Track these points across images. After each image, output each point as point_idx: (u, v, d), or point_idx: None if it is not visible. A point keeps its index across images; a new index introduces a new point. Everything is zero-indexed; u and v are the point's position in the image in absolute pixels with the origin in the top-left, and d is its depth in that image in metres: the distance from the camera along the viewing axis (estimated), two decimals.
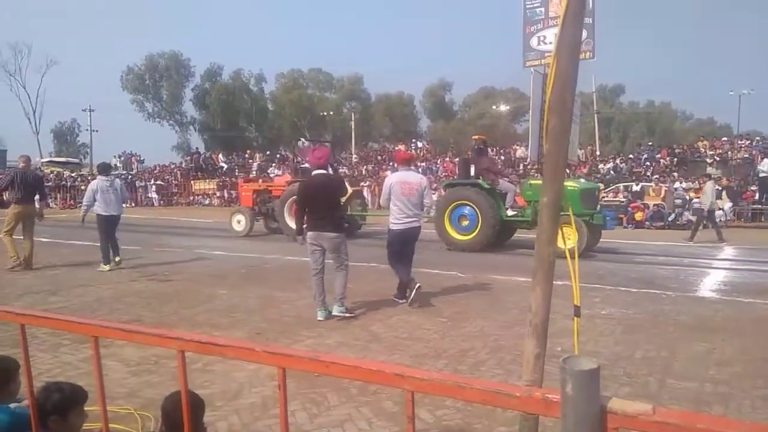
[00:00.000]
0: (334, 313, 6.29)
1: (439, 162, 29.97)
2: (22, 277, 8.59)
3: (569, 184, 12.50)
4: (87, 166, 47.95)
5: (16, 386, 2.68)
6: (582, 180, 14.02)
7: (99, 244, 9.58)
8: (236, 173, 33.19)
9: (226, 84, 58.28)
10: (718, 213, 16.14)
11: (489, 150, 14.25)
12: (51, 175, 35.02)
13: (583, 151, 29.07)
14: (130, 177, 34.87)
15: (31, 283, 8.03)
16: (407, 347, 5.18)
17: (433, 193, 12.47)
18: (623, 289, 7.96)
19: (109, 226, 9.54)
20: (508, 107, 53.53)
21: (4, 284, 7.98)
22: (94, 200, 9.41)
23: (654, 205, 19.38)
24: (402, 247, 7.07)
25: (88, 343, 4.97)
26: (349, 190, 6.90)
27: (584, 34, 21.55)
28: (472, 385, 0.91)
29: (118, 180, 10.54)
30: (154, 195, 32.04)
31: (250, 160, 37.27)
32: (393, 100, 60.57)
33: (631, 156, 28.19)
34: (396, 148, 34.08)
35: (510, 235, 13.17)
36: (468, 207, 12.19)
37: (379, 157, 35.15)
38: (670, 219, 18.88)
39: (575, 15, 1.38)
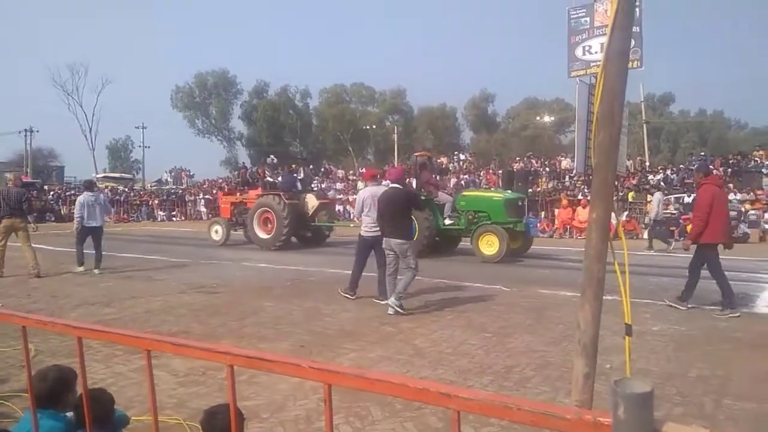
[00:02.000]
0: (390, 302, 6.95)
1: (482, 174, 29.72)
2: (79, 289, 8.93)
3: (494, 194, 13.72)
4: (140, 182, 49.74)
5: (73, 396, 2.77)
6: (509, 191, 14.63)
7: (74, 249, 10.88)
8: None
9: (272, 100, 59.61)
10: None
11: (431, 165, 15.45)
12: (106, 189, 36.38)
13: (631, 162, 28.34)
14: (180, 191, 35.95)
15: (86, 295, 8.33)
16: (451, 362, 5.12)
17: None
18: (675, 304, 7.66)
19: (87, 235, 10.77)
20: (552, 118, 52.75)
21: (61, 296, 8.30)
22: (83, 213, 10.58)
23: None
24: (369, 251, 7.98)
25: (139, 354, 5.12)
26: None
27: (631, 42, 21.10)
28: (520, 405, 0.89)
29: (102, 195, 12.09)
30: (203, 209, 32.89)
31: (295, 174, 37.87)
32: (435, 112, 60.54)
33: (682, 166, 27.31)
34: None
35: (456, 243, 14.23)
36: None
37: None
38: None
39: (623, 24, 1.35)
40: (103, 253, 10.97)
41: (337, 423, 3.74)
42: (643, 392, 0.85)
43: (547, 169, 28.35)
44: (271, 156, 19.34)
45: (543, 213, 21.89)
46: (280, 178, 16.81)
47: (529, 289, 8.66)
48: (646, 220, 17.84)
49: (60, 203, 32.93)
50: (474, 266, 11.47)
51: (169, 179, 43.00)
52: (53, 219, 30.30)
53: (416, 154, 15.29)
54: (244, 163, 46.83)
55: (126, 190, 38.37)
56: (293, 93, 61.03)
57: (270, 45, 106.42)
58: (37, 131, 51.28)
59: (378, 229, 7.61)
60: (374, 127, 57.10)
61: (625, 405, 0.83)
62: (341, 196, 31.64)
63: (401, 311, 6.95)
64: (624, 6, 1.33)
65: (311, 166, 41.98)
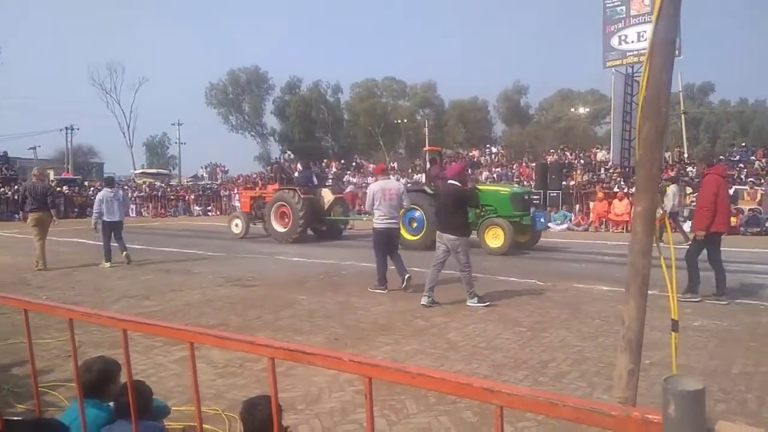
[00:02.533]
0: (468, 303, 7.09)
1: (514, 167, 29.36)
2: (120, 282, 9.17)
3: (501, 188, 14.17)
4: (176, 177, 50.76)
5: (117, 387, 2.84)
6: (515, 185, 15.14)
7: (102, 244, 11.13)
8: (329, 182, 33.96)
9: (304, 95, 60.02)
10: None
11: (441, 159, 16.02)
12: (144, 185, 37.25)
13: (670, 153, 27.63)
14: (215, 186, 36.52)
15: (127, 288, 8.56)
16: (485, 357, 5.08)
17: None
18: (717, 299, 7.45)
19: (111, 229, 11.11)
20: (587, 109, 51.74)
21: (104, 289, 8.54)
22: (102, 209, 11.02)
23: (749, 209, 18.08)
24: (385, 242, 8.26)
25: (178, 346, 5.24)
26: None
27: None
28: (565, 402, 0.88)
29: (120, 191, 12.58)
30: (238, 204, 33.34)
31: (327, 169, 38.09)
32: (466, 105, 60.01)
33: (722, 157, 26.47)
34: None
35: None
36: (417, 211, 13.32)
37: (454, 163, 34.94)
38: (767, 224, 17.53)
39: (668, 13, 1.30)
40: (127, 245, 11.40)
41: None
42: (695, 390, 0.82)
43: (582, 161, 27.80)
44: (288, 152, 19.85)
45: (577, 206, 21.47)
46: (296, 174, 17.22)
47: (564, 284, 8.53)
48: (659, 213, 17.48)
49: None
50: (507, 260, 11.36)
51: (204, 175, 43.76)
52: None
53: (425, 149, 15.79)
54: (277, 158, 47.30)
55: (163, 185, 39.17)
56: (325, 88, 61.36)
57: (302, 41, 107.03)
58: (78, 129, 52.93)
59: (390, 220, 8.16)
60: (405, 121, 57.00)
61: (676, 403, 0.81)
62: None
63: (483, 304, 7.07)
64: None
65: (342, 161, 42.17)
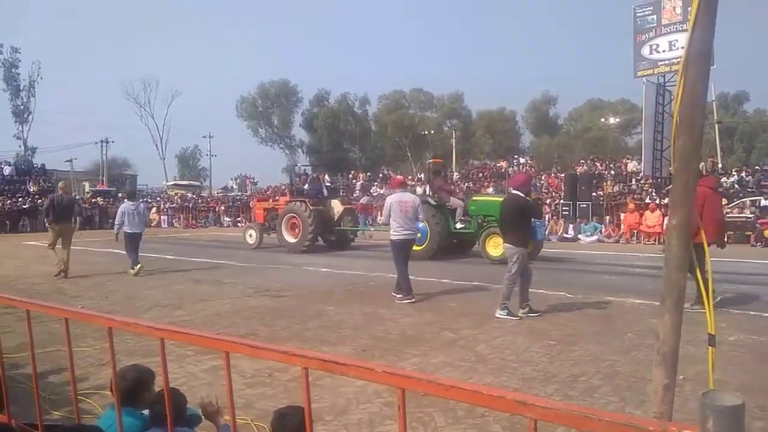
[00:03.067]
0: (497, 314, 7.08)
1: (543, 178, 29.07)
2: (152, 292, 9.35)
3: (501, 198, 13.58)
4: (207, 189, 51.60)
5: (150, 394, 2.89)
6: None
7: (125, 254, 11.62)
8: (341, 193, 34.20)
9: (333, 108, 60.58)
10: None
11: (444, 171, 16.36)
12: (175, 197, 37.94)
13: (703, 164, 27.03)
14: (245, 198, 36.99)
15: (159, 298, 8.71)
16: (514, 370, 5.02)
17: None
18: (753, 313, 7.24)
19: (132, 239, 11.55)
20: (617, 119, 50.99)
21: (136, 298, 8.71)
22: (123, 220, 11.44)
23: None
24: (405, 252, 8.54)
25: (209, 355, 5.31)
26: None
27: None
28: (601, 416, 0.87)
29: (142, 204, 13.18)
30: None
31: (354, 180, 38.31)
32: (494, 116, 59.77)
33: (757, 168, 25.80)
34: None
35: (470, 246, 14.42)
36: (420, 222, 13.65)
37: (480, 174, 34.72)
38: None
39: (704, 24, 1.28)
40: (159, 255, 12.02)
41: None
42: (734, 405, 0.81)
43: (612, 171, 27.40)
44: (298, 164, 20.56)
45: (608, 217, 21.12)
46: (306, 186, 17.91)
47: (595, 296, 8.39)
48: None
49: None
50: (536, 272, 11.22)
51: (234, 186, 44.40)
52: None
53: (429, 160, 16.20)
54: (305, 169, 47.70)
55: (194, 196, 39.84)
56: (352, 100, 61.85)
57: (330, 54, 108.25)
58: (113, 142, 54.24)
59: (407, 232, 8.40)
60: (432, 132, 57.03)
61: (714, 418, 0.80)
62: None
63: (510, 317, 7.02)
64: (705, 4, 1.27)
65: (369, 173, 42.33)
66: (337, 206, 16.69)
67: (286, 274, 11.41)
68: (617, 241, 19.07)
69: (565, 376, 4.83)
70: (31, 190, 31.77)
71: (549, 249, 16.43)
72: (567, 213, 20.92)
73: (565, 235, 19.79)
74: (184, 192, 42.42)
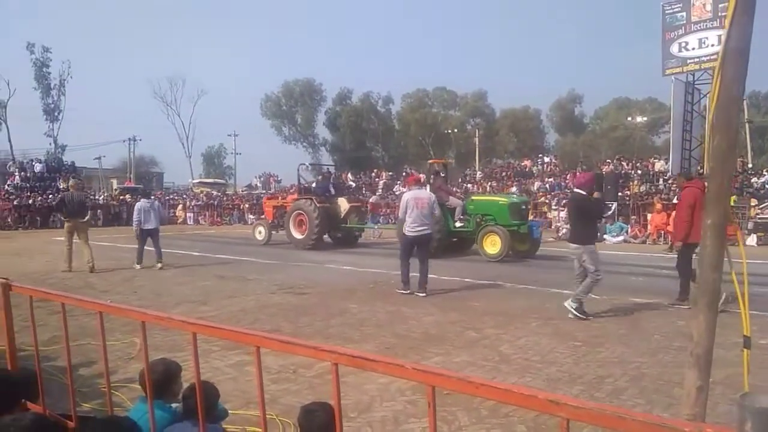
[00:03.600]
0: (567, 304, 7.04)
1: (568, 177, 28.73)
2: (179, 287, 9.50)
3: (500, 199, 14.83)
4: (232, 187, 52.14)
5: (177, 387, 2.95)
6: (514, 196, 16.73)
7: (137, 247, 12.13)
8: (363, 191, 34.28)
9: (356, 106, 60.71)
10: None
11: (445, 171, 16.48)
12: (201, 194, 38.43)
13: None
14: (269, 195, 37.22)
15: (186, 293, 8.85)
16: (539, 370, 4.99)
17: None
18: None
19: (147, 236, 12.05)
20: (644, 118, 50.14)
21: (164, 294, 8.86)
22: (140, 218, 11.94)
23: None
24: (412, 249, 8.90)
25: (235, 350, 5.38)
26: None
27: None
28: (634, 416, 0.86)
29: (156, 202, 14.02)
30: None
31: (377, 179, 38.34)
32: (518, 114, 59.29)
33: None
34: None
35: (470, 244, 14.50)
36: None
37: (504, 174, 34.45)
38: None
39: (742, 21, 1.25)
40: (162, 249, 12.28)
41: (424, 426, 3.74)
42: None
43: (639, 171, 26.94)
44: (304, 163, 21.01)
45: (634, 218, 20.78)
46: (314, 184, 18.51)
47: (621, 298, 8.28)
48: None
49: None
50: (562, 272, 11.11)
51: (258, 184, 44.73)
52: None
53: (430, 161, 16.69)
54: (328, 168, 47.92)
55: (219, 194, 40.30)
56: (376, 99, 61.92)
57: (353, 53, 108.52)
58: (140, 140, 55.02)
59: (421, 228, 8.67)
60: (456, 130, 56.78)
61: (753, 420, 0.79)
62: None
63: (580, 315, 6.95)
64: (743, 2, 1.24)
65: (392, 173, 42.31)
66: (343, 204, 17.17)
67: (309, 271, 11.48)
68: (644, 242, 18.75)
69: (591, 378, 4.78)
70: (61, 186, 32.48)
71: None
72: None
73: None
74: (209, 190, 42.94)
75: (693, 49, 21.87)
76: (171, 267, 11.82)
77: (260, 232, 18.47)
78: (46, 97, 50.49)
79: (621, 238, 19.10)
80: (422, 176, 15.06)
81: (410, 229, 8.71)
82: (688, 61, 22.04)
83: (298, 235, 16.53)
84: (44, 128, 50.92)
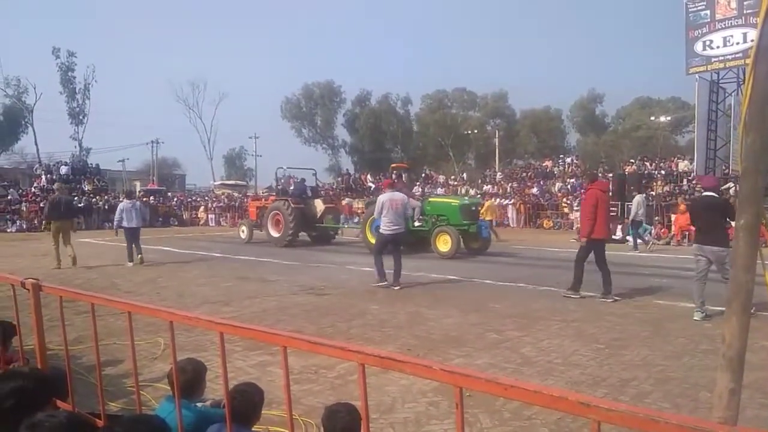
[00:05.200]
0: (696, 316, 6.97)
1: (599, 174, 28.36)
2: (201, 288, 9.60)
3: (452, 200, 16.05)
4: (252, 188, 52.53)
5: (202, 387, 2.99)
6: (466, 198, 18.26)
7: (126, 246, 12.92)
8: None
9: (374, 108, 60.74)
10: None
11: (407, 175, 18.13)
12: (222, 196, 38.79)
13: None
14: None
15: (208, 294, 8.94)
16: (561, 373, 4.94)
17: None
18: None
19: (130, 234, 12.86)
20: (668, 118, 49.37)
21: (186, 294, 8.97)
22: (122, 217, 12.81)
23: None
24: (386, 246, 9.75)
25: (257, 351, 5.42)
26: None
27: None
28: (667, 419, 0.85)
29: (138, 202, 14.75)
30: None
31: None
32: (539, 115, 58.73)
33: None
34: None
35: (429, 243, 15.01)
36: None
37: (524, 174, 34.17)
38: None
39: None
40: (142, 246, 13.18)
41: (445, 429, 3.74)
42: None
43: (663, 171, 26.55)
44: (282, 167, 21.71)
45: (657, 218, 20.47)
46: (292, 187, 19.77)
47: (644, 299, 8.18)
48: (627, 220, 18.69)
49: (182, 209, 35.52)
50: (585, 274, 11.00)
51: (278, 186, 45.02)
52: (176, 223, 32.80)
53: (392, 165, 18.15)
54: (347, 169, 48.08)
55: (240, 196, 40.61)
56: (394, 100, 61.86)
57: (373, 54, 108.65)
58: (163, 143, 55.86)
59: (396, 227, 9.47)
60: (475, 131, 56.48)
61: None
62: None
63: (705, 320, 6.91)
64: None
65: (411, 173, 42.22)
66: (319, 205, 18.49)
67: (329, 272, 11.52)
68: (668, 243, 18.47)
69: (615, 381, 4.72)
70: (86, 189, 33.06)
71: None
72: (614, 214, 20.40)
73: (613, 237, 19.29)
74: (230, 191, 43.23)
75: (717, 47, 21.49)
76: (191, 268, 11.93)
77: (243, 231, 19.79)
78: (71, 101, 51.47)
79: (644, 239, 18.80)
80: (396, 180, 15.84)
81: (386, 228, 9.51)
82: (713, 59, 21.67)
83: (275, 234, 17.87)
84: (69, 131, 51.94)
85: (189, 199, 38.36)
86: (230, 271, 11.73)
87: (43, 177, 33.91)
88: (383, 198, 9.61)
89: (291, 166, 22.25)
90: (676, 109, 51.85)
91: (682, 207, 19.04)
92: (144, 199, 27.26)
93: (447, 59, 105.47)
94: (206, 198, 39.65)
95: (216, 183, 52.12)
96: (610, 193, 16.20)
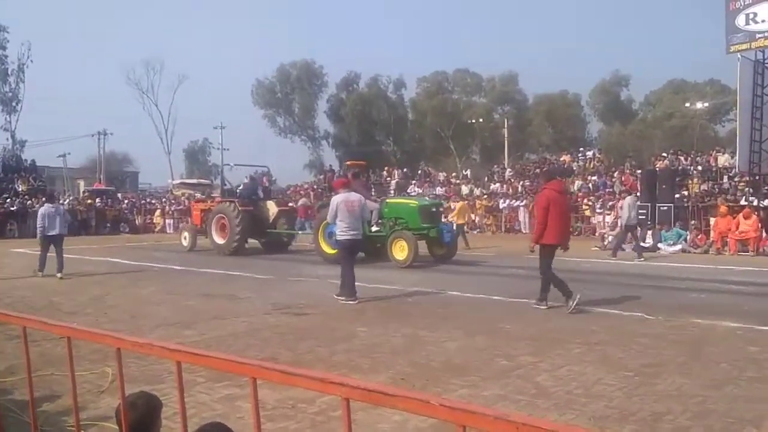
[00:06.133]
0: None
1: (615, 175, 28.60)
2: (158, 308, 9.57)
3: (410, 202, 16.84)
4: (218, 188, 52.46)
5: (157, 426, 2.95)
6: (426, 198, 20.15)
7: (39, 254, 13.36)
8: (372, 193, 34.30)
9: (363, 93, 60.79)
10: None
11: (365, 174, 19.63)
12: (182, 197, 38.68)
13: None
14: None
15: (166, 315, 8.91)
16: (583, 406, 4.96)
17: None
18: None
19: (49, 242, 13.23)
20: (705, 104, 49.91)
21: (140, 316, 8.93)
22: (44, 223, 13.05)
23: None
24: (352, 254, 10.17)
25: (223, 382, 5.40)
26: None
27: None
28: None
29: (61, 207, 15.22)
30: None
31: (388, 178, 38.39)
32: (555, 100, 59.13)
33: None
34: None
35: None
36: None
37: (538, 170, 34.34)
38: None
39: None
40: (65, 256, 13.45)
41: None
42: None
43: (699, 167, 26.80)
44: (229, 164, 21.85)
45: (694, 222, 20.62)
46: (240, 187, 20.46)
47: (680, 318, 8.22)
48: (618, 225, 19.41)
49: (135, 213, 35.35)
50: (611, 289, 11.06)
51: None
52: (128, 230, 32.68)
53: (347, 163, 18.87)
54: (330, 165, 48.12)
55: (204, 197, 40.52)
56: (385, 84, 61.97)
57: (360, 30, 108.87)
58: (111, 134, 55.56)
59: (353, 231, 9.76)
60: (481, 120, 56.80)
61: None
62: (442, 203, 31.62)
63: None
64: None
65: (405, 169, 42.37)
66: (272, 208, 19.02)
67: (311, 287, 11.53)
68: (706, 252, 18.61)
69: (646, 415, 4.74)
70: (20, 189, 32.79)
71: (623, 260, 16.20)
72: (644, 217, 20.56)
73: (642, 244, 19.43)
74: (192, 192, 43.07)
75: (763, 21, 21.67)
76: (145, 284, 11.89)
77: (185, 238, 20.28)
78: (2, 85, 51.08)
79: (679, 246, 18.97)
80: (352, 179, 16.23)
81: (342, 234, 9.79)
82: (757, 35, 21.84)
83: (219, 240, 18.42)
84: (0, 121, 51.54)
85: (142, 201, 38.18)
86: (193, 287, 11.69)
87: None
88: (337, 200, 9.80)
89: (240, 163, 22.51)
90: (715, 93, 52.38)
91: (723, 209, 19.22)
92: (63, 203, 27.32)
93: (447, 34, 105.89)
94: (163, 200, 39.49)
95: (175, 182, 51.81)
96: (570, 195, 16.91)
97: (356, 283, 9.83)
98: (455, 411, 1.09)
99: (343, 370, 5.98)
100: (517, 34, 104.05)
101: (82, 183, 52.96)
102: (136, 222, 34.47)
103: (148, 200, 39.69)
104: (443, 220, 17.42)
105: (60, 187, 46.11)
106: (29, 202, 30.97)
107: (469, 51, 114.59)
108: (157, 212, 35.58)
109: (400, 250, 14.59)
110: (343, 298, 9.67)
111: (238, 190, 20.34)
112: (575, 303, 8.60)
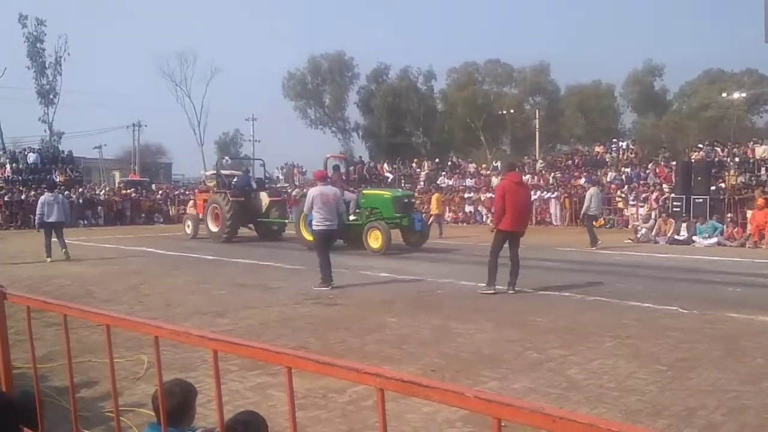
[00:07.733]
0: None
1: (649, 167, 28.12)
2: (191, 297, 9.70)
3: (384, 192, 18.16)
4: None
5: (192, 413, 3.00)
6: (399, 190, 21.67)
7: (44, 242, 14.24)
8: (402, 185, 34.26)
9: (393, 84, 60.62)
10: None
11: (345, 166, 20.77)
12: (215, 188, 39.06)
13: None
14: (290, 190, 37.60)
15: (199, 304, 9.03)
16: (615, 399, 4.91)
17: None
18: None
19: (51, 229, 14.18)
20: (743, 94, 48.71)
21: (174, 304, 9.06)
22: (44, 211, 14.01)
23: None
24: (327, 243, 10.72)
25: (255, 371, 5.46)
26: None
27: None
28: None
29: (60, 195, 15.97)
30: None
31: (418, 170, 38.29)
32: (587, 91, 58.21)
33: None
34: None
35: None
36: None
37: (570, 162, 33.92)
38: None
39: None
40: (67, 241, 14.56)
41: None
42: None
43: (737, 159, 26.21)
44: (226, 157, 22.50)
45: (730, 215, 20.18)
46: (236, 179, 21.95)
47: (716, 312, 8.08)
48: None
49: (168, 203, 35.78)
50: (642, 282, 10.91)
51: (280, 176, 45.21)
52: (161, 220, 33.11)
53: (327, 156, 19.67)
54: (361, 157, 48.16)
55: (205, 188, 40.82)
56: (415, 75, 61.67)
57: (391, 21, 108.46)
58: (146, 126, 56.40)
59: (329, 222, 10.26)
60: (512, 111, 56.16)
61: None
62: (471, 194, 31.45)
63: None
64: None
65: (437, 160, 42.21)
66: (264, 198, 20.28)
67: (341, 278, 11.53)
68: (742, 245, 18.20)
69: (679, 409, 4.68)
70: (58, 180, 33.44)
71: (657, 253, 15.97)
72: (679, 210, 20.21)
73: (677, 237, 19.10)
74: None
75: None
76: (179, 273, 12.04)
77: (188, 226, 21.87)
78: (40, 77, 52.06)
79: (714, 240, 18.59)
80: (333, 172, 17.21)
81: (319, 224, 10.31)
82: None
83: (214, 228, 20.01)
84: (38, 113, 52.56)
85: (176, 192, 38.59)
86: (225, 276, 11.83)
87: (8, 166, 34.45)
88: (313, 192, 10.44)
89: (236, 156, 24.14)
90: (753, 83, 51.16)
91: (761, 202, 18.77)
92: (66, 192, 28.30)
93: (478, 25, 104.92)
94: (196, 191, 39.84)
95: (207, 173, 52.49)
96: (527, 185, 17.22)
97: (386, 275, 10.00)
98: (490, 403, 1.08)
99: (374, 361, 6.00)
100: (549, 23, 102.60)
101: (117, 174, 53.82)
102: (170, 213, 34.85)
103: (181, 191, 40.10)
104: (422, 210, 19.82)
105: (96, 178, 46.99)
106: (67, 192, 31.54)
107: (499, 41, 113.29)
108: (191, 203, 35.92)
109: (374, 240, 15.69)
110: (317, 284, 10.17)
111: (232, 182, 21.64)
112: (491, 292, 9.42)
